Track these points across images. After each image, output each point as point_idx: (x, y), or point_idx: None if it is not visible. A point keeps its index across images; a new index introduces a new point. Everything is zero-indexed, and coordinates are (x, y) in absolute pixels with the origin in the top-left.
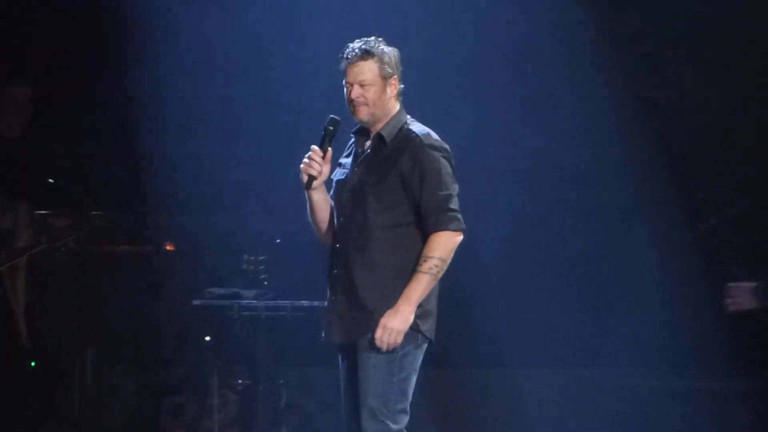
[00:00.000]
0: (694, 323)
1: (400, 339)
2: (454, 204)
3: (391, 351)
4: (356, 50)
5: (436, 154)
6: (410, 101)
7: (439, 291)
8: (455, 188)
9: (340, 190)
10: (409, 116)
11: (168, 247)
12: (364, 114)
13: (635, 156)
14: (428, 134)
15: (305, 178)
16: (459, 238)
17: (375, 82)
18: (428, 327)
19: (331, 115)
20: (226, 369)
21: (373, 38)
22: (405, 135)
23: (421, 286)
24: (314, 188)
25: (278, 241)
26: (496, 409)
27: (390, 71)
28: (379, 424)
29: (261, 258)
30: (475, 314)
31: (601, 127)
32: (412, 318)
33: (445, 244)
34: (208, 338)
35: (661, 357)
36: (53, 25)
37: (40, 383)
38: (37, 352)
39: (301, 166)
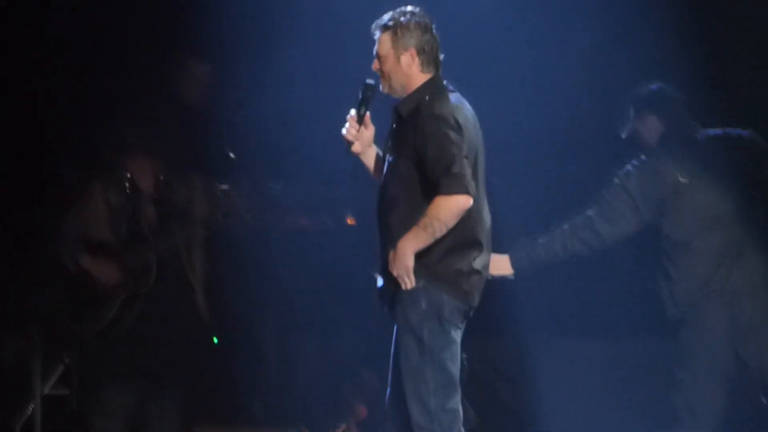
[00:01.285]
0: None
1: (405, 271)
2: (457, 168)
3: (417, 332)
4: (378, 23)
5: (437, 123)
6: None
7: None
8: (458, 152)
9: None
10: (446, 83)
11: (349, 221)
12: (384, 87)
13: None
14: (432, 105)
15: (346, 144)
16: (461, 199)
17: (389, 55)
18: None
19: (367, 80)
20: None
21: (402, 9)
22: (418, 109)
23: (415, 237)
24: (358, 153)
25: None
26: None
27: (405, 43)
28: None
29: None
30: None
31: None
32: (408, 260)
33: (442, 205)
34: None
35: None
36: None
37: (223, 358)
38: (219, 326)
39: (342, 131)
